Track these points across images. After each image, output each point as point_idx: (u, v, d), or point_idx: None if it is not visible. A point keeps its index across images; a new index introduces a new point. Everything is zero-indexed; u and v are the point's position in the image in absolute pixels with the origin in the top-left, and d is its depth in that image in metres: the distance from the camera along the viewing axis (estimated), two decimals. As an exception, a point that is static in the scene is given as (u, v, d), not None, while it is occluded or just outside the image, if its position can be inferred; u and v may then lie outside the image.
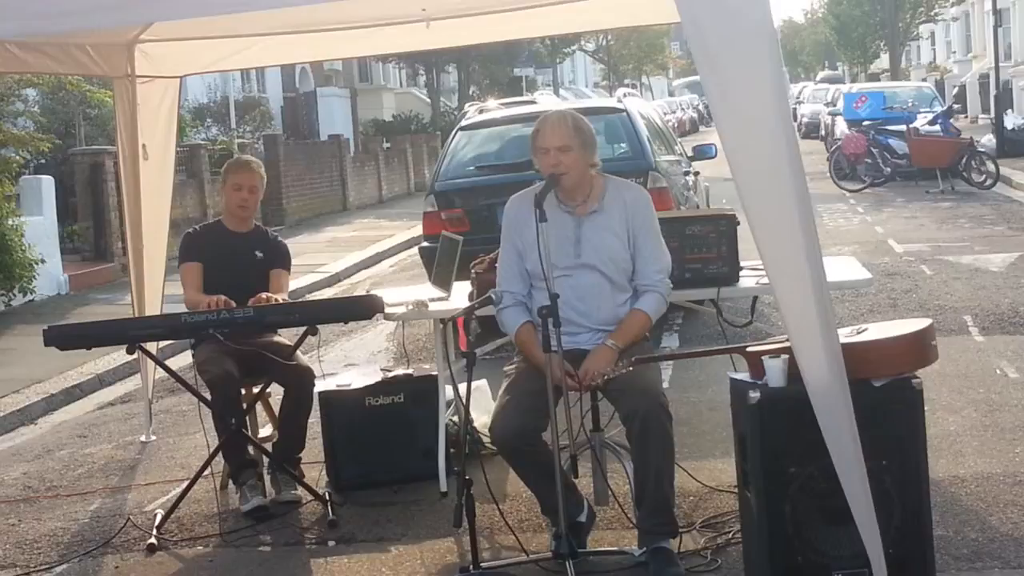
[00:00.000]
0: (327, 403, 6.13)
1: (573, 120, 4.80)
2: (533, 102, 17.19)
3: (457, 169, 10.18)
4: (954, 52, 53.24)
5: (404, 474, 6.07)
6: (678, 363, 8.08)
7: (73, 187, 16.32)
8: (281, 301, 6.02)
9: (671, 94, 64.86)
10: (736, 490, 4.75)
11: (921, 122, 22.04)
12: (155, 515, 5.84)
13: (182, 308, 6.08)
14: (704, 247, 5.58)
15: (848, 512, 3.95)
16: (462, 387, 4.73)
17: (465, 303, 5.47)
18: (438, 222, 9.56)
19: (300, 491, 5.94)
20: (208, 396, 5.86)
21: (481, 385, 6.54)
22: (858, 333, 4.44)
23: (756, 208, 3.80)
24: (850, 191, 20.35)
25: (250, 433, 6.07)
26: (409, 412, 6.12)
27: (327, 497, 5.83)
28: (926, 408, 4.35)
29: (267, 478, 6.03)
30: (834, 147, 22.89)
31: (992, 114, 27.39)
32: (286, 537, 5.55)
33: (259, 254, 6.25)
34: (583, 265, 4.79)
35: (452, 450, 6.06)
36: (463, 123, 11.08)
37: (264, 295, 5.98)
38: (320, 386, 6.10)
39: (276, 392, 6.13)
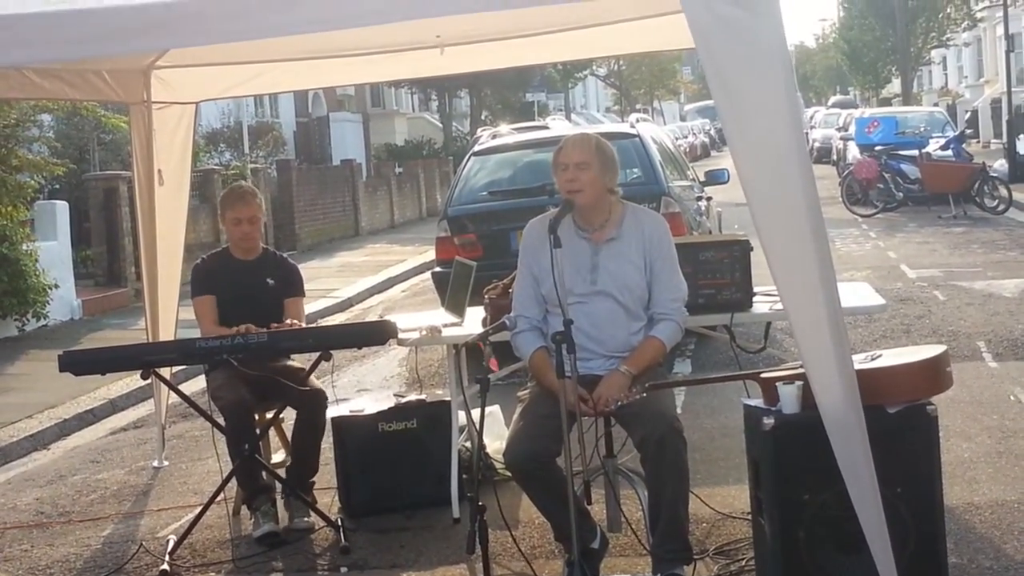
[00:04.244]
0: (340, 429, 6.13)
1: (596, 141, 4.85)
2: (545, 127, 17.25)
3: (470, 194, 10.20)
4: (966, 77, 53.24)
5: (417, 500, 6.06)
6: (691, 389, 8.06)
7: (87, 212, 16.38)
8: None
9: (683, 119, 64.92)
10: (750, 517, 4.74)
11: (933, 147, 22.03)
12: (168, 541, 5.84)
13: (196, 333, 6.09)
14: (717, 273, 5.58)
15: (862, 539, 3.93)
16: (475, 412, 4.72)
17: (479, 329, 5.47)
18: (451, 247, 9.57)
19: (312, 518, 5.94)
20: (222, 422, 5.87)
21: (494, 411, 6.54)
22: (872, 359, 4.43)
23: (770, 233, 3.80)
24: (862, 216, 20.34)
25: (263, 459, 6.06)
26: (422, 438, 6.11)
27: (339, 523, 5.82)
28: (940, 435, 4.33)
29: (280, 504, 6.03)
30: (846, 172, 22.88)
31: (1004, 139, 27.34)
32: (298, 563, 5.54)
33: (270, 281, 6.22)
34: (599, 292, 4.79)
35: (465, 476, 6.05)
36: (476, 148, 11.09)
37: (289, 321, 6.00)
38: (333, 412, 6.10)
39: (289, 418, 6.12)
